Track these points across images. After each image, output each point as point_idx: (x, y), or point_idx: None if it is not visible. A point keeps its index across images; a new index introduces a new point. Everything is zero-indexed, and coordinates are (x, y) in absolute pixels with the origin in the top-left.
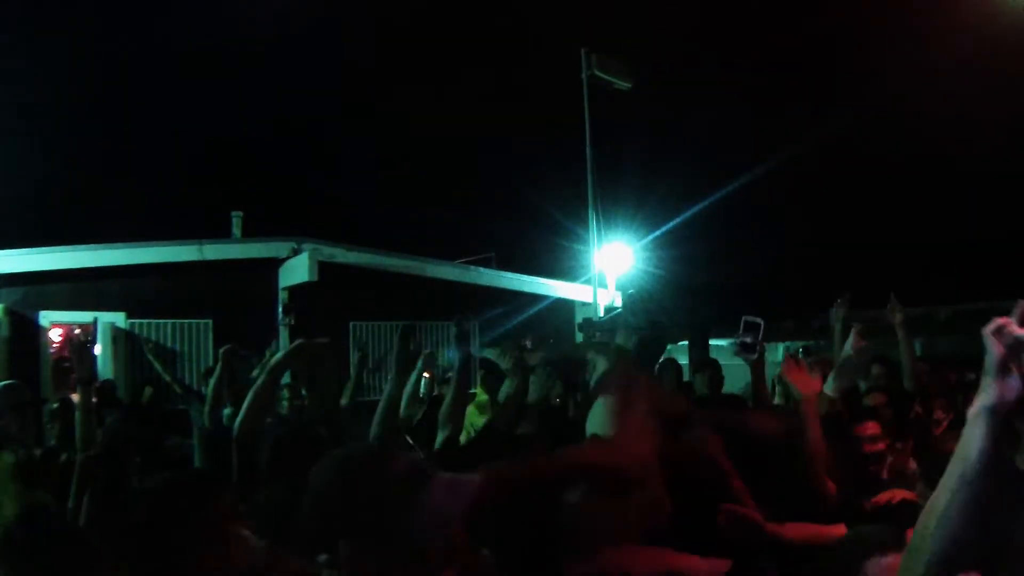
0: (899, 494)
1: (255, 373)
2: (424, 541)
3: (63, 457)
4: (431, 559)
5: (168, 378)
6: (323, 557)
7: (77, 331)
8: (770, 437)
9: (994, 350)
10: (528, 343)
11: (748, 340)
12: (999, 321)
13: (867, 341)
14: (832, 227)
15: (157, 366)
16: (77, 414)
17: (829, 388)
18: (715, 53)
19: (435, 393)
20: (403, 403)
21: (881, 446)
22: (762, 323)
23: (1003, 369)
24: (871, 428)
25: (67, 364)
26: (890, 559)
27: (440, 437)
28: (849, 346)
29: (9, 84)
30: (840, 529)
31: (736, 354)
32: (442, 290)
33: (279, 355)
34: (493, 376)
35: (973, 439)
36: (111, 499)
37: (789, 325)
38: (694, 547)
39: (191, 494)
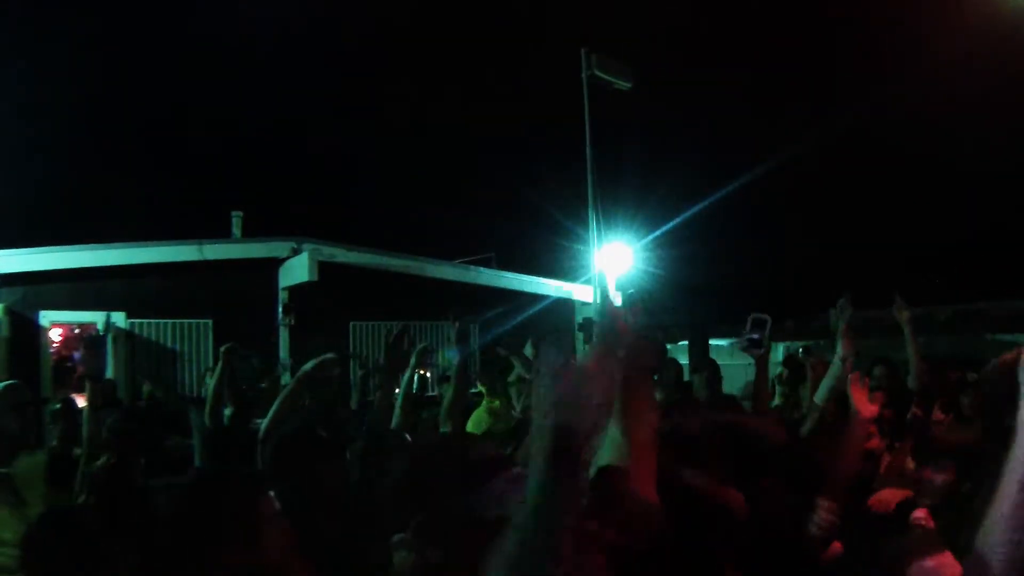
0: (897, 494)
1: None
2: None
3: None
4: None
5: (160, 393)
6: (397, 537)
7: (82, 329)
8: (767, 440)
9: None
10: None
11: (755, 336)
12: None
13: (855, 347)
14: (832, 227)
15: (147, 388)
16: (84, 410)
17: (819, 397)
18: (715, 53)
19: (433, 393)
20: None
21: (875, 443)
22: (769, 320)
23: None
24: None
25: (69, 364)
26: (933, 562)
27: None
28: (838, 353)
29: (9, 84)
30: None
31: (743, 350)
32: (442, 290)
33: (309, 366)
34: (491, 372)
35: None
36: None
37: (789, 325)
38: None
39: (236, 492)
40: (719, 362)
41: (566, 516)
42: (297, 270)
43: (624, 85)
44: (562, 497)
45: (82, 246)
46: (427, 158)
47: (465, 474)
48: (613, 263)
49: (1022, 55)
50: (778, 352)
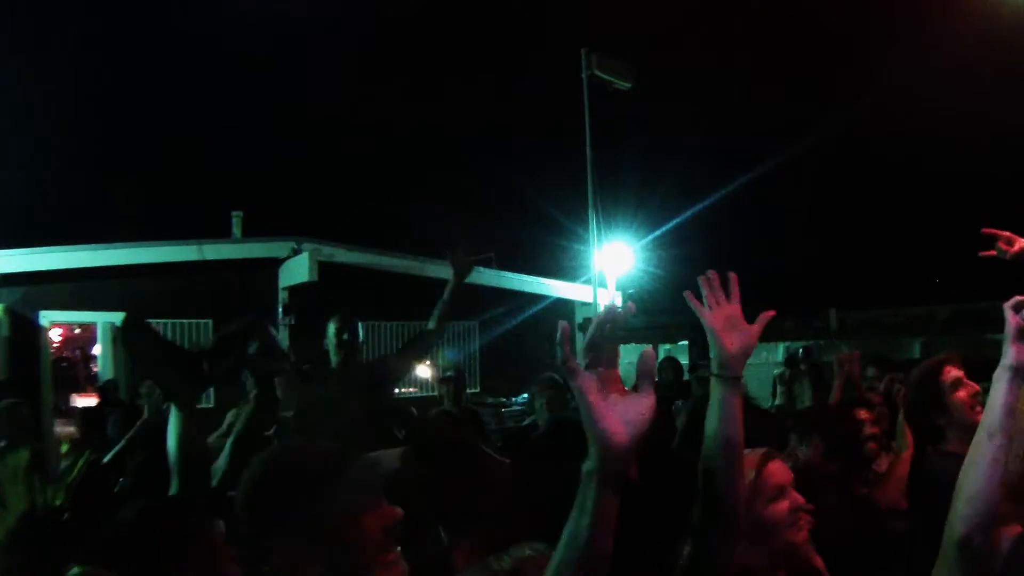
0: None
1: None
2: (350, 529)
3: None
4: (364, 550)
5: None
6: (266, 568)
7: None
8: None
9: (1011, 321)
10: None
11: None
12: (1017, 298)
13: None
14: (832, 227)
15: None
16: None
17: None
18: (715, 53)
19: (434, 393)
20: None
21: (877, 429)
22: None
23: (1020, 336)
24: (865, 413)
25: (64, 363)
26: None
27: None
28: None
29: (9, 84)
30: None
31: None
32: (442, 290)
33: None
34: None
35: (996, 396)
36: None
37: (789, 325)
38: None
39: (179, 523)
40: None
41: (608, 526)
42: (297, 270)
43: (624, 85)
44: (610, 510)
45: (82, 246)
46: (427, 158)
47: (306, 480)
48: (613, 263)
49: (1022, 55)
50: (778, 352)
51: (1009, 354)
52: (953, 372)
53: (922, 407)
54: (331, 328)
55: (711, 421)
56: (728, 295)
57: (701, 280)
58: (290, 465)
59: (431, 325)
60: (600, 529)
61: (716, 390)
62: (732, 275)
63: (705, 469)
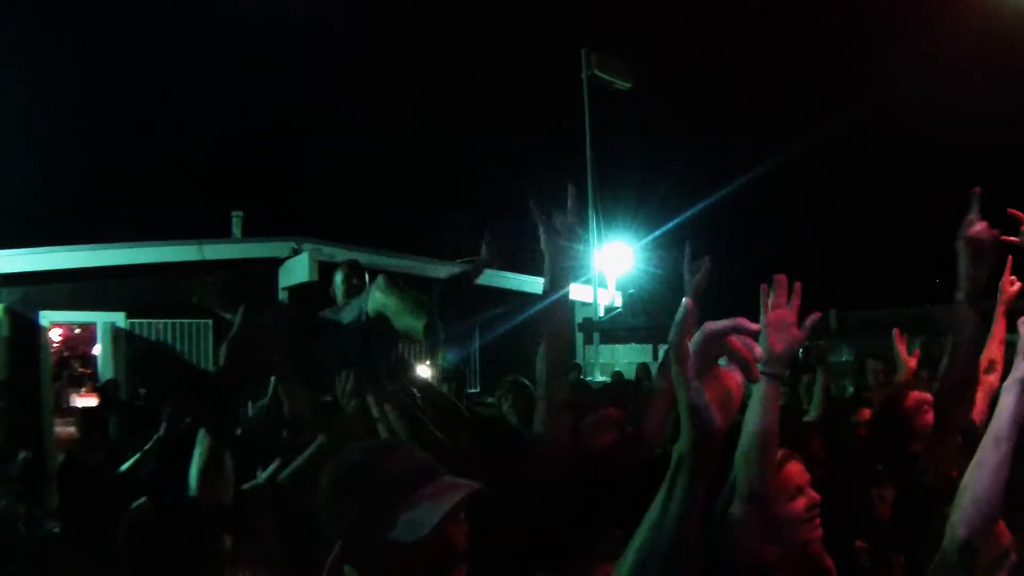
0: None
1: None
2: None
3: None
4: (426, 563)
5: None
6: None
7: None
8: None
9: None
10: None
11: None
12: None
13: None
14: (832, 227)
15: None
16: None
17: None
18: (715, 53)
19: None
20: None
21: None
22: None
23: None
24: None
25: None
26: None
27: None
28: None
29: (10, 84)
30: None
31: None
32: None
33: None
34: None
35: (1005, 406)
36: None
37: None
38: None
39: (191, 530)
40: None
41: (696, 513)
42: (297, 270)
43: (624, 85)
44: (698, 496)
45: (82, 246)
46: (427, 158)
47: (387, 488)
48: (613, 263)
49: (1022, 55)
50: None
51: (1020, 367)
52: (915, 395)
53: (890, 435)
54: (339, 275)
55: (752, 416)
56: (789, 300)
57: (774, 279)
58: (377, 470)
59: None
60: (688, 516)
61: (759, 386)
62: (797, 284)
63: (744, 461)
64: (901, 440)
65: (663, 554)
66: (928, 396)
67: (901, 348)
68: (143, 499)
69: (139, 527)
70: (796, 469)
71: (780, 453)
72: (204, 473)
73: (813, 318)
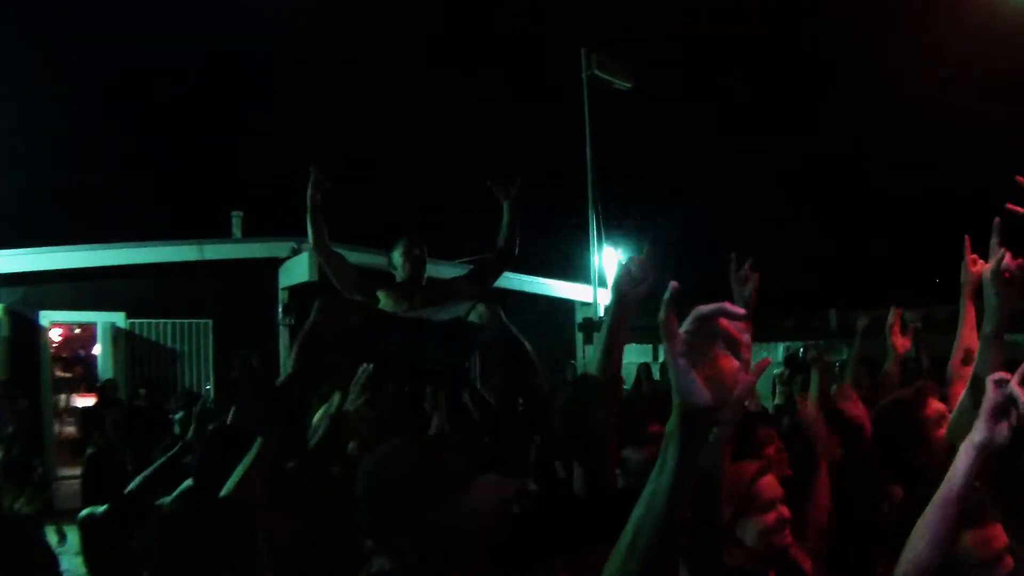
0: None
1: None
2: (464, 540)
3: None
4: (469, 557)
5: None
6: (369, 543)
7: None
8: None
9: (992, 396)
10: None
11: None
12: (1001, 374)
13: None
14: (833, 227)
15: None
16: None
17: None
18: (715, 53)
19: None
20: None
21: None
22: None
23: (995, 415)
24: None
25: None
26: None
27: None
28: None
29: (10, 84)
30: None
31: None
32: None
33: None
34: None
35: (961, 465)
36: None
37: (789, 325)
38: None
39: (225, 524)
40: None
41: (685, 489)
42: (297, 270)
43: (624, 85)
44: (688, 471)
45: (82, 246)
46: (427, 158)
47: (436, 486)
48: (613, 263)
49: (1022, 55)
50: (778, 352)
51: (980, 430)
52: (936, 406)
53: (898, 444)
54: (401, 244)
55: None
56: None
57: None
58: (421, 471)
59: (501, 243)
60: (678, 490)
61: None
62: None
63: None
64: (910, 451)
65: (653, 523)
66: (945, 409)
67: (895, 327)
68: (174, 494)
69: (171, 523)
70: (768, 483)
71: (755, 465)
72: (246, 477)
73: (673, 286)
